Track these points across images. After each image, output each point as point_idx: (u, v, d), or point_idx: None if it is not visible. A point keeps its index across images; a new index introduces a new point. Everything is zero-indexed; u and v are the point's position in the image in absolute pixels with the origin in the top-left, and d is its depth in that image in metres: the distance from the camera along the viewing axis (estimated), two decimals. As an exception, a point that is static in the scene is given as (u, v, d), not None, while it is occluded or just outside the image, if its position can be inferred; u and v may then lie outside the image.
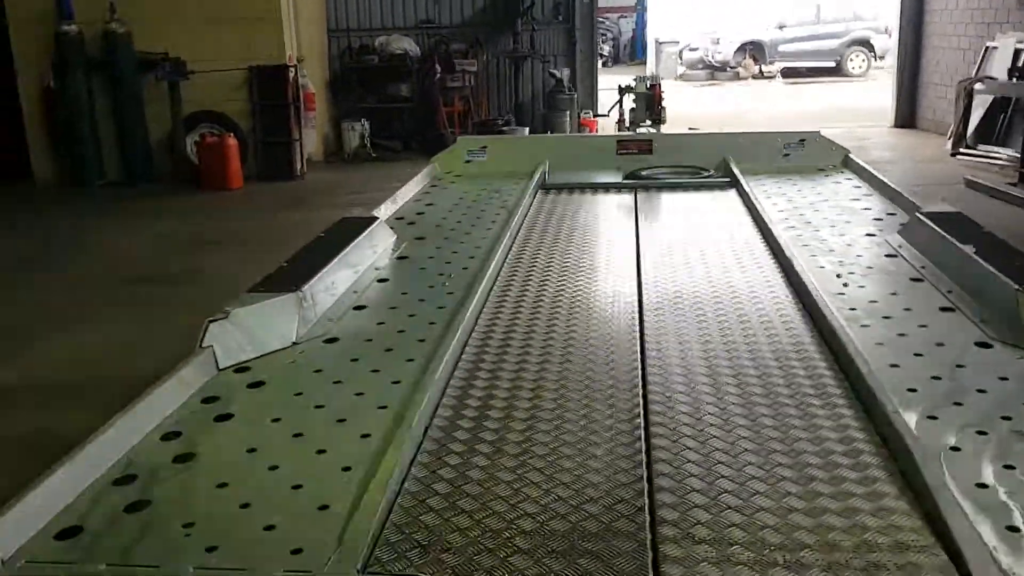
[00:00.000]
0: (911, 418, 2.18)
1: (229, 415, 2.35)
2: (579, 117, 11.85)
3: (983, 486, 1.89)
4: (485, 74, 11.89)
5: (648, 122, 7.96)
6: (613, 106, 9.78)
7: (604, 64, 34.16)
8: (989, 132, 9.81)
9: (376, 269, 3.65)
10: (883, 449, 2.08)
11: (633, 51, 35.07)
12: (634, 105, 8.37)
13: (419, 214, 4.65)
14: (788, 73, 29.48)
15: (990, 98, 9.79)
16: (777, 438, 2.16)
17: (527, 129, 11.30)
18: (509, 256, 3.81)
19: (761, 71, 29.44)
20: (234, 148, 9.62)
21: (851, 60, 28.56)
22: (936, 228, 3.54)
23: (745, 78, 29.04)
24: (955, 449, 2.05)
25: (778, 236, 3.79)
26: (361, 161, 11.21)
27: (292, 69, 9.98)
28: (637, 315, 3.06)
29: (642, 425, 2.23)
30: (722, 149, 5.66)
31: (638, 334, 2.88)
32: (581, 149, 5.95)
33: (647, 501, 1.88)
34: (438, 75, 11.33)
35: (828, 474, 1.98)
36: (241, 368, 2.66)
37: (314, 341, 2.87)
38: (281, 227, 8.22)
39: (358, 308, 3.20)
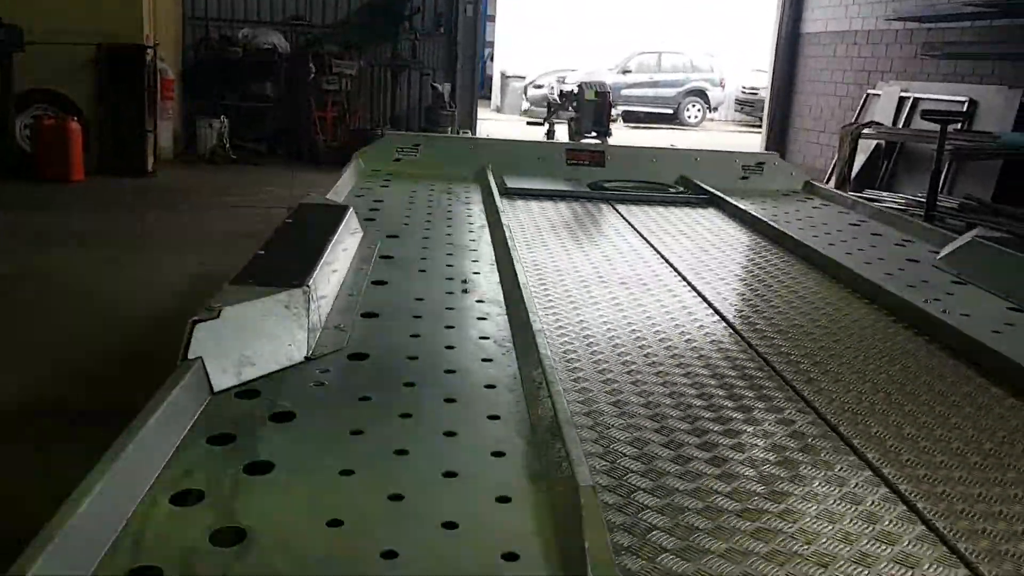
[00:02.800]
0: None
1: (267, 465, 1.48)
2: (458, 134, 11.20)
3: None
4: (359, 81, 11.00)
5: (594, 134, 7.40)
6: (549, 115, 9.19)
7: (447, 94, 33.89)
8: (870, 177, 9.99)
9: (362, 269, 2.80)
10: None
11: (480, 82, 34.91)
12: (576, 115, 7.80)
13: (372, 210, 3.83)
14: (629, 117, 30.20)
15: (871, 144, 9.98)
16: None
17: (407, 142, 10.50)
18: (525, 264, 3.07)
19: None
20: (77, 134, 8.18)
21: (687, 109, 29.62)
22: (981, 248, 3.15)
23: (589, 118, 29.46)
24: None
25: (837, 260, 3.27)
26: (220, 162, 9.99)
27: (150, 51, 8.71)
28: (728, 329, 2.46)
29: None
30: (677, 166, 5.19)
31: (750, 350, 2.27)
32: (526, 155, 5.29)
33: None
34: (312, 76, 10.34)
35: None
36: (245, 392, 1.78)
37: (334, 357, 2.02)
38: (149, 230, 7.02)
39: (367, 316, 2.36)
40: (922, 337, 2.52)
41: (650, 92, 30.10)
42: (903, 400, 2.02)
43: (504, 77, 31.94)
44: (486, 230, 3.57)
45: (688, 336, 2.41)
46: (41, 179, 8.03)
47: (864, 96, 10.76)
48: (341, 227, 2.85)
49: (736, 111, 29.77)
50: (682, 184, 5.00)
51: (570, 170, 5.14)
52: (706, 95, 29.61)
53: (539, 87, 30.30)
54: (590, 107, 7.40)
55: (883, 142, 9.86)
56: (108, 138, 8.63)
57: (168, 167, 9.34)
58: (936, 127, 7.70)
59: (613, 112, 30.53)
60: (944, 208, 7.75)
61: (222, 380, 1.78)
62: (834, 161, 10.52)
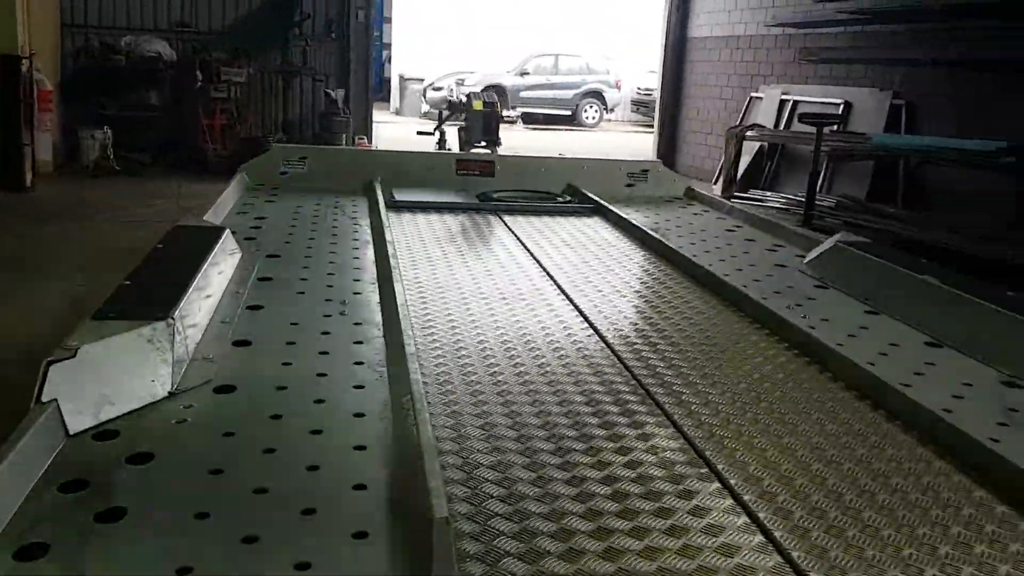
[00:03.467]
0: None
1: (120, 511, 1.46)
2: (354, 141, 11.09)
3: None
4: (250, 88, 10.78)
5: (483, 143, 7.43)
6: (438, 125, 9.14)
7: (345, 97, 33.50)
8: (755, 177, 10.34)
9: (236, 293, 2.77)
10: None
11: (377, 87, 34.65)
12: (466, 124, 7.80)
13: (254, 228, 3.78)
14: (528, 119, 30.45)
15: (755, 146, 10.33)
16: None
17: (301, 150, 10.33)
18: (406, 281, 3.09)
19: (504, 115, 30.13)
20: (-53, 148, 7.79)
21: (585, 111, 30.04)
22: (874, 257, 3.31)
23: (489, 120, 29.57)
24: None
25: (706, 267, 3.39)
26: (105, 174, 9.63)
27: (25, 62, 8.34)
28: (602, 344, 2.53)
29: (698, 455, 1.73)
30: (566, 175, 5.29)
31: (619, 364, 2.36)
32: (415, 166, 5.30)
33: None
34: (199, 84, 10.08)
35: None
36: (104, 433, 1.75)
37: (201, 390, 2.00)
38: (25, 249, 6.72)
39: (239, 344, 2.33)
40: (782, 344, 2.64)
41: (548, 94, 30.39)
42: (763, 415, 2.11)
43: (403, 80, 31.78)
44: (371, 246, 3.56)
45: (562, 353, 2.47)
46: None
47: (748, 99, 11.13)
48: (215, 251, 2.81)
49: (632, 112, 30.36)
50: (570, 193, 5.09)
51: (460, 180, 5.17)
52: (603, 96, 30.08)
53: (438, 89, 30.24)
54: (479, 117, 7.45)
55: (766, 144, 10.22)
56: (-20, 152, 8.23)
57: (49, 181, 8.96)
58: (813, 129, 8.05)
59: (512, 114, 30.76)
60: (822, 207, 8.10)
61: (78, 422, 1.74)
62: (721, 163, 10.85)
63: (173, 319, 2.09)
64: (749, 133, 10.00)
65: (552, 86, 30.29)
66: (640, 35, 26.84)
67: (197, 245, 2.84)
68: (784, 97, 10.29)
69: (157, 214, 7.70)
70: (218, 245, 2.87)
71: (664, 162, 13.71)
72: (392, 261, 3.07)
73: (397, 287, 2.73)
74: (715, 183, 11.05)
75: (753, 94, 11.04)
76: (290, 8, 11.28)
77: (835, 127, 8.74)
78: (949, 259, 6.71)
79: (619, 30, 29.50)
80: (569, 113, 30.42)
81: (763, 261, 3.76)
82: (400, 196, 4.64)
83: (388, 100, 32.23)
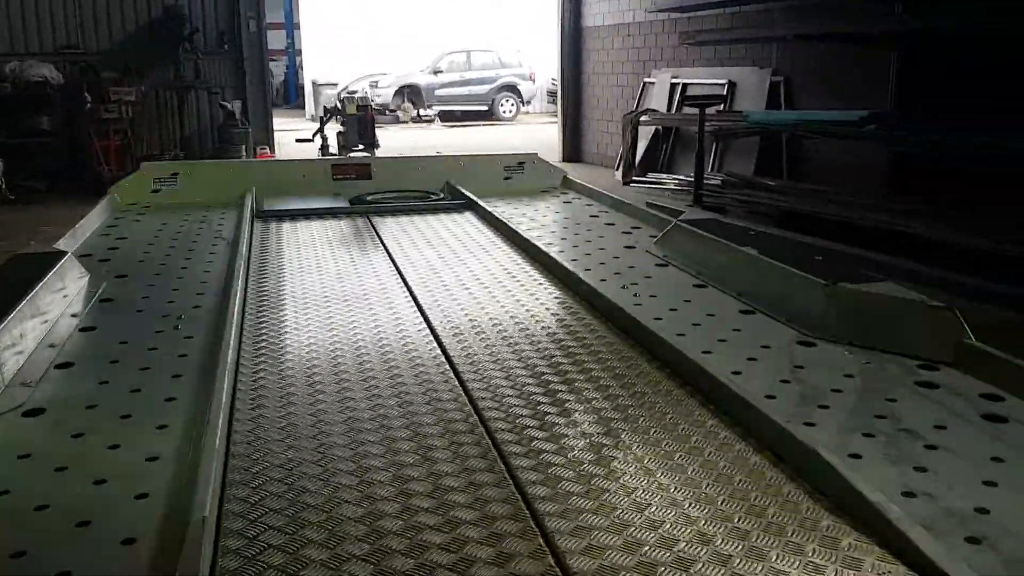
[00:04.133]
0: (795, 428, 1.94)
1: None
2: (255, 152, 11.03)
3: (910, 494, 1.67)
4: (144, 106, 10.64)
5: (361, 147, 7.46)
6: (317, 130, 9.14)
7: (261, 106, 33.10)
8: (653, 161, 10.58)
9: (73, 316, 2.80)
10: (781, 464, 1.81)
11: (287, 94, 34.33)
12: (343, 129, 7.83)
13: (112, 249, 3.80)
14: (445, 117, 30.48)
15: (651, 130, 10.56)
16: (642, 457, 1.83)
17: (199, 165, 10.26)
18: (250, 291, 3.15)
19: (419, 114, 30.17)
20: None
21: (502, 105, 30.16)
22: (704, 233, 3.47)
23: (405, 121, 29.58)
24: (855, 456, 1.83)
25: (548, 252, 3.51)
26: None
27: None
28: (433, 340, 2.60)
29: (493, 447, 1.90)
30: (443, 173, 5.37)
31: (443, 358, 2.43)
32: (291, 174, 5.34)
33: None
34: (88, 105, 9.93)
35: (748, 509, 1.65)
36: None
37: (8, 415, 2.04)
38: None
39: (62, 367, 2.37)
40: (606, 322, 2.76)
41: (463, 91, 30.43)
42: (562, 389, 2.23)
43: (316, 85, 31.52)
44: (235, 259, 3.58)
45: (390, 355, 2.51)
46: None
47: (641, 85, 11.37)
48: (49, 276, 2.83)
49: (549, 103, 30.60)
50: (447, 191, 5.17)
51: (337, 186, 5.22)
52: (518, 90, 30.24)
53: (352, 93, 30.10)
54: (354, 120, 7.50)
55: (660, 127, 10.47)
56: None
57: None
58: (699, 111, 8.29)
59: (429, 113, 30.63)
60: (711, 186, 8.34)
61: None
62: (621, 149, 11.08)
63: (-18, 348, 2.13)
64: (643, 118, 10.23)
65: (466, 82, 30.35)
66: (547, 27, 27.11)
67: (32, 272, 2.86)
68: (674, 80, 10.55)
69: (45, 241, 7.58)
70: (53, 271, 2.89)
71: (570, 151, 13.95)
72: (237, 271, 3.13)
73: (233, 299, 2.79)
74: (617, 169, 11.27)
75: (646, 79, 11.29)
76: (179, 23, 11.17)
77: (719, 107, 8.99)
78: (822, 227, 6.99)
79: (528, 23, 29.70)
80: (486, 108, 30.51)
81: (616, 244, 3.89)
82: (270, 206, 4.67)
83: (304, 107, 31.96)
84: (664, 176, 9.93)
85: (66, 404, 2.12)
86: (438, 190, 5.15)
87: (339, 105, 8.30)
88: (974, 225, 5.98)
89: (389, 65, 29.34)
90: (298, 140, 9.16)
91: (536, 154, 5.78)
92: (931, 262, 5.93)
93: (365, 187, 5.17)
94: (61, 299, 2.88)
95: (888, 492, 1.65)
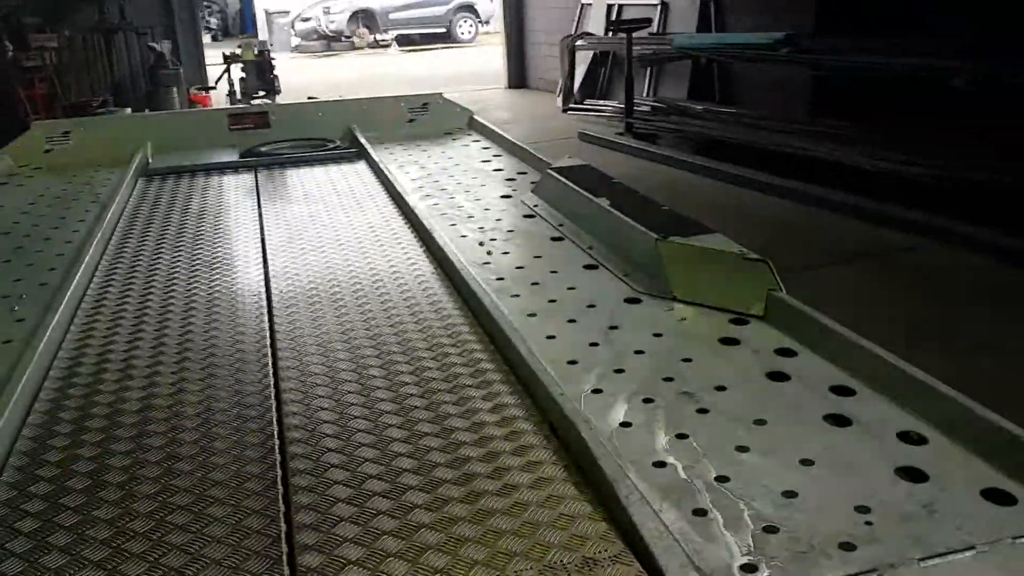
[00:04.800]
0: (578, 395, 1.98)
1: None
2: (188, 92, 10.82)
3: (661, 464, 1.72)
4: (70, 51, 10.36)
5: (262, 93, 7.33)
6: (220, 77, 8.95)
7: (214, 38, 32.27)
8: (593, 86, 10.46)
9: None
10: (552, 438, 1.85)
11: (243, 24, 33.55)
12: (244, 75, 7.67)
13: (-18, 220, 3.74)
14: (403, 41, 29.91)
15: (590, 54, 10.42)
16: (433, 433, 1.87)
17: (129, 109, 10.07)
18: (103, 260, 3.14)
19: (376, 40, 29.56)
20: None
21: (460, 26, 29.62)
22: (568, 183, 3.46)
23: (361, 47, 28.99)
24: (626, 425, 1.87)
25: (414, 207, 3.50)
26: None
27: None
28: (266, 313, 2.60)
29: (276, 436, 1.89)
30: (345, 118, 5.30)
31: (268, 336, 2.43)
32: (187, 127, 5.26)
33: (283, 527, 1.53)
34: (10, 53, 9.67)
35: (495, 473, 1.70)
36: None
37: None
38: None
39: None
40: (444, 281, 2.78)
41: (419, 13, 29.86)
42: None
43: (268, 14, 30.80)
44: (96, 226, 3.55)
45: (213, 331, 2.54)
46: None
47: (579, 7, 11.16)
48: None
49: (508, 23, 29.92)
50: (348, 138, 5.11)
51: (235, 136, 5.15)
52: (475, 10, 29.66)
53: (306, 20, 29.41)
54: (252, 66, 7.34)
55: (597, 52, 10.32)
56: None
57: None
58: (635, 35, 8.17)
59: (385, 38, 29.97)
60: (641, 112, 8.28)
61: None
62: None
63: None
64: (579, 42, 10.06)
65: (423, 4, 29.77)
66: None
67: None
68: (611, 2, 10.36)
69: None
70: None
71: (515, 77, 13.75)
72: (97, 240, 3.12)
73: (77, 275, 2.79)
74: (559, 95, 11.13)
75: (584, 2, 11.07)
76: (100, -39, 10.81)
77: (648, 31, 8.86)
78: (742, 154, 6.98)
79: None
80: (444, 30, 29.98)
81: (495, 193, 3.89)
82: (162, 162, 4.61)
83: (256, 37, 31.20)
84: (601, 103, 9.83)
85: None
86: (337, 137, 5.09)
87: (236, 51, 8.11)
88: (887, 147, 6.00)
89: (341, -11, 28.62)
90: (206, 89, 8.96)
91: (441, 94, 5.72)
92: (844, 187, 5.96)
93: (264, 136, 5.11)
94: None
95: (640, 463, 1.70)
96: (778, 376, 2.07)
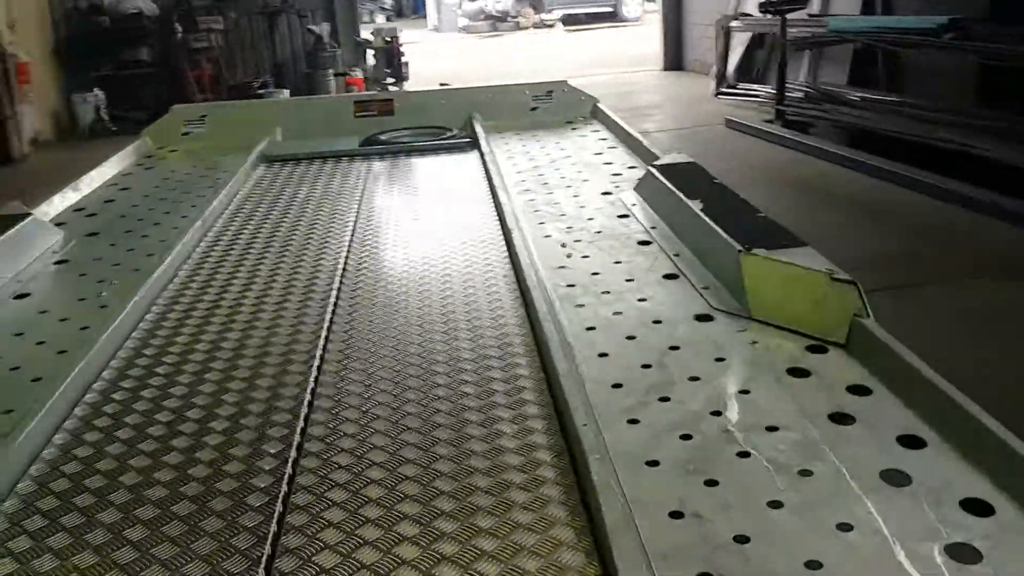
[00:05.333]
0: (609, 425, 1.83)
1: None
2: (344, 75, 11.14)
3: (678, 515, 1.55)
4: (234, 34, 10.89)
5: (391, 80, 7.42)
6: (354, 64, 9.17)
7: (388, 19, 33.26)
8: (749, 70, 9.98)
9: (18, 282, 2.95)
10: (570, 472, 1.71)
11: (415, 5, 34.40)
12: (375, 62, 7.80)
13: (107, 202, 3.95)
14: (568, 20, 29.76)
15: (748, 36, 9.93)
16: (448, 456, 1.77)
17: (287, 91, 10.49)
18: (200, 246, 3.24)
19: (542, 20, 29.55)
20: (-70, 132, 8.24)
21: (626, 4, 29.16)
22: (666, 182, 3.26)
23: (526, 27, 29.06)
24: (652, 464, 1.71)
25: (504, 203, 3.40)
26: (100, 137, 10.01)
27: (-4, 37, 8.68)
28: (330, 309, 2.59)
29: (298, 433, 1.89)
30: (468, 106, 5.26)
31: (324, 333, 2.41)
32: (316, 113, 5.37)
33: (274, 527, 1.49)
34: (180, 35, 10.26)
35: (495, 507, 1.59)
36: None
37: None
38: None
39: (-31, 337, 2.52)
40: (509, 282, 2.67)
41: (587, -8, 29.61)
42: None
43: (438, -5, 31.38)
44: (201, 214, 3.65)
45: (282, 303, 2.55)
46: (-97, 181, 8.12)
47: (738, -14, 10.66)
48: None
49: None
50: (467, 127, 5.07)
51: (359, 123, 5.21)
52: (643, -13, 29.14)
53: (474, 0, 29.78)
54: (381, 54, 7.39)
55: (755, 33, 9.82)
56: (-32, 129, 8.67)
57: (47, 149, 9.38)
58: (791, 16, 7.71)
59: (549, 18, 29.91)
60: (792, 99, 7.80)
61: None
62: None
63: None
64: (734, 23, 9.61)
65: (591, -16, 29.50)
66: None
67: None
68: (771, -19, 9.79)
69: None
70: (5, 235, 3.04)
71: (671, 59, 13.32)
72: (194, 229, 3.22)
73: (169, 255, 2.89)
74: (713, 78, 10.70)
75: (743, -20, 10.57)
76: (266, -54, 11.28)
77: (806, 12, 8.33)
78: (904, 147, 6.43)
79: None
80: (611, 9, 29.65)
81: (597, 188, 3.73)
82: (281, 149, 4.73)
83: (423, 16, 31.96)
84: (755, 87, 9.37)
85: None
86: (457, 126, 5.05)
87: (370, 40, 8.21)
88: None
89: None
90: (336, 73, 9.16)
91: (566, 81, 5.57)
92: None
93: (388, 124, 5.15)
94: (16, 263, 3.03)
95: (654, 511, 1.55)
96: (842, 418, 1.84)
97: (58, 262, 3.15)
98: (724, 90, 9.43)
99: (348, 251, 3.11)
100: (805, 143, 7.01)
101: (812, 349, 2.14)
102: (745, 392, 1.97)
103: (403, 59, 7.37)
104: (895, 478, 1.62)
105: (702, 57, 12.24)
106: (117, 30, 10.65)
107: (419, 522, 1.58)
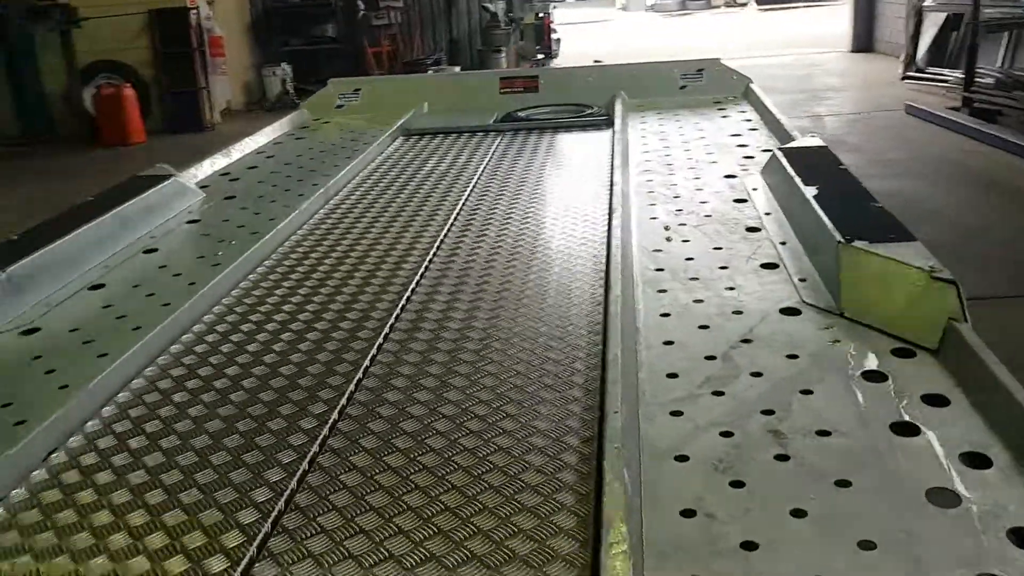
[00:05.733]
0: (651, 415, 1.76)
1: None
2: (516, 54, 11.24)
3: (690, 513, 1.47)
4: (417, 10, 11.22)
5: (540, 56, 7.39)
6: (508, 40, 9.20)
7: (574, -3, 33.23)
8: (942, 53, 9.23)
9: (152, 238, 3.18)
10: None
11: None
12: (522, 41, 7.79)
13: (250, 168, 4.17)
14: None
15: (943, 17, 9.19)
16: (475, 431, 1.76)
17: (458, 68, 10.71)
18: (317, 215, 3.37)
19: (736, -1, 28.63)
20: (131, 99, 9.01)
21: (825, -19, 27.76)
22: (787, 166, 3.07)
23: (718, 6, 28.24)
24: (681, 459, 1.62)
25: (617, 182, 3.32)
26: (285, 108, 10.61)
27: (194, 12, 9.35)
28: (412, 286, 2.62)
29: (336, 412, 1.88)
30: (615, 84, 5.17)
31: (397, 310, 2.45)
32: (463, 89, 5.45)
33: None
34: (361, 13, 10.69)
35: (509, 481, 1.57)
36: None
37: (8, 334, 2.42)
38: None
39: (95, 287, 2.74)
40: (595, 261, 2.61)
41: (788, -32, 28.42)
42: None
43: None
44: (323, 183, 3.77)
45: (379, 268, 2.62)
46: (105, 145, 8.92)
47: (935, -38, 9.84)
48: (133, 203, 3.23)
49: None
50: (609, 105, 4.99)
51: (505, 99, 5.25)
52: (846, -37, 27.62)
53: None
54: (531, 31, 7.32)
55: (950, 14, 9.05)
56: (167, 98, 9.41)
57: (235, 119, 10.05)
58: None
59: (745, -5, 28.71)
60: (982, 85, 7.14)
61: None
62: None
63: (5, 274, 2.52)
64: (927, 2, 8.90)
65: (789, -41, 28.28)
66: None
67: (125, 196, 3.27)
68: (969, -44, 8.99)
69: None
70: (142, 196, 3.28)
71: (861, 39, 12.49)
72: (316, 196, 3.36)
73: (284, 220, 3.05)
74: (903, 61, 9.98)
75: (940, -45, 9.74)
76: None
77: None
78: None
79: None
80: (814, -13, 28.28)
81: (721, 171, 3.57)
82: (422, 123, 4.83)
83: (614, -3, 31.67)
84: (945, 72, 8.65)
85: (66, 326, 2.45)
86: (601, 104, 4.98)
87: (520, 17, 8.18)
88: None
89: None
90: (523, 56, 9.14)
91: (718, 60, 5.36)
92: None
93: (532, 100, 5.16)
94: (150, 221, 3.26)
95: (666, 508, 1.48)
96: (907, 429, 1.68)
97: (190, 221, 3.37)
98: (911, 74, 8.77)
99: (452, 222, 3.14)
100: (992, 134, 6.39)
101: (898, 352, 1.97)
102: (807, 392, 1.83)
103: (554, 36, 7.35)
104: (942, 498, 1.46)
105: (893, 39, 11.43)
106: (307, 7, 11.23)
107: (427, 494, 1.59)
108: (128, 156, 8.87)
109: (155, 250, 3.07)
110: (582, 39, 16.38)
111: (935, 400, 1.76)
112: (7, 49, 9.19)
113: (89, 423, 1.93)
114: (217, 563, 1.44)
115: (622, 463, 1.53)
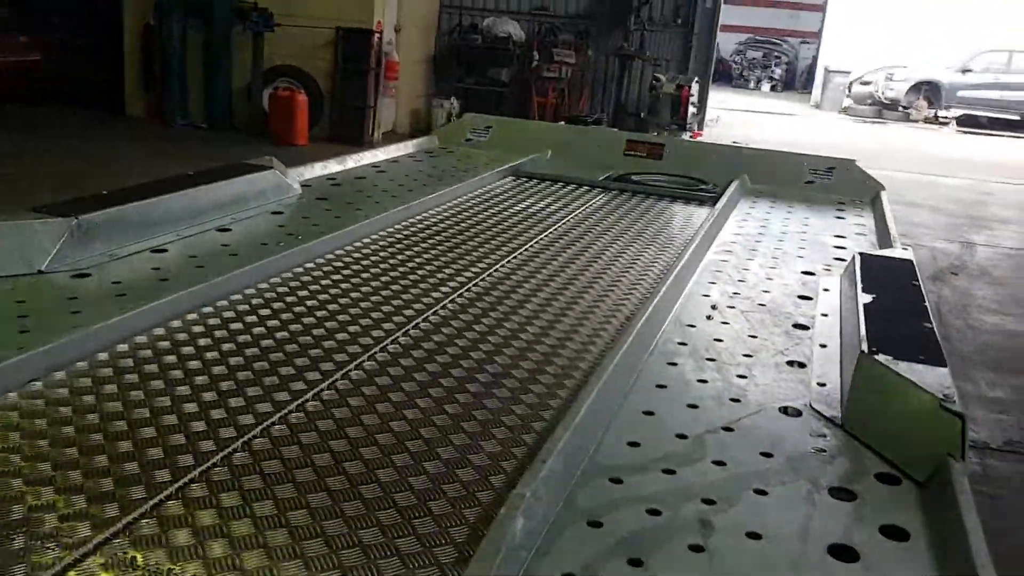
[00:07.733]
0: (590, 474, 1.70)
1: None
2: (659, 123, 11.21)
3: None
4: (592, 71, 11.41)
5: (674, 126, 7.33)
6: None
7: (773, 88, 32.80)
8: None
9: (233, 220, 3.35)
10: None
11: (810, 79, 33.44)
12: (658, 107, 7.75)
13: (358, 178, 4.34)
14: (966, 122, 27.44)
15: None
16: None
17: (615, 129, 10.76)
18: (383, 230, 3.44)
19: (936, 115, 27.49)
20: (303, 104, 9.59)
21: (1047, 112, 26.30)
22: (856, 271, 2.91)
23: (916, 120, 27.20)
24: (595, 525, 1.55)
25: (685, 255, 3.22)
26: (443, 139, 11.01)
27: (377, 35, 9.88)
28: (447, 301, 2.65)
29: None
30: (740, 166, 5.06)
31: (425, 313, 2.48)
32: (589, 143, 5.49)
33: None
34: (535, 62, 10.98)
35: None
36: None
37: (63, 274, 2.61)
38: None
39: (158, 251, 2.91)
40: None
41: (995, 95, 27.25)
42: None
43: (827, 72, 30.51)
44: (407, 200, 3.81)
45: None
46: (275, 143, 9.51)
47: None
48: (225, 183, 3.42)
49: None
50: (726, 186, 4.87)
51: (627, 160, 5.24)
52: (1071, 97, 26.17)
53: (866, 83, 28.42)
54: (667, 100, 7.23)
55: None
56: (338, 110, 9.95)
57: (393, 140, 10.45)
58: None
59: (946, 115, 27.74)
60: None
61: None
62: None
63: (79, 220, 2.73)
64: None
65: (1001, 86, 27.08)
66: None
67: (221, 176, 3.47)
68: None
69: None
70: (235, 179, 3.47)
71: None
72: (389, 212, 3.46)
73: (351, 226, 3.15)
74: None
75: None
76: (634, -5, 11.67)
77: None
78: None
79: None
80: (1020, 118, 27.01)
81: (801, 267, 3.42)
82: (535, 168, 4.89)
83: (810, 92, 31.13)
84: None
85: (112, 275, 2.62)
86: (716, 183, 4.87)
87: (654, 83, 8.10)
88: None
89: (908, 58, 27.23)
90: (699, 128, 9.05)
91: (853, 161, 5.15)
92: None
93: (653, 166, 5.12)
94: (237, 205, 3.43)
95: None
96: (845, 553, 1.54)
97: (273, 212, 3.53)
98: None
99: (504, 261, 3.14)
100: None
101: (881, 477, 1.81)
102: (761, 492, 1.71)
103: (692, 109, 7.32)
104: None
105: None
106: (486, 49, 11.65)
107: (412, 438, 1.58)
108: (285, 154, 9.39)
109: (228, 230, 3.23)
110: (754, 127, 16.14)
111: (894, 532, 1.61)
112: (208, 43, 10.02)
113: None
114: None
115: (520, 505, 1.47)
